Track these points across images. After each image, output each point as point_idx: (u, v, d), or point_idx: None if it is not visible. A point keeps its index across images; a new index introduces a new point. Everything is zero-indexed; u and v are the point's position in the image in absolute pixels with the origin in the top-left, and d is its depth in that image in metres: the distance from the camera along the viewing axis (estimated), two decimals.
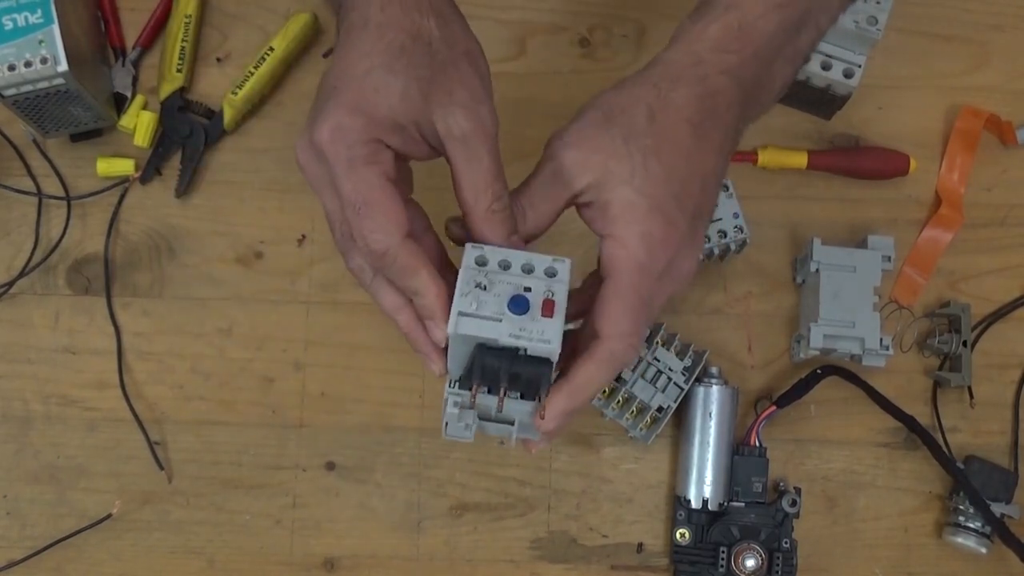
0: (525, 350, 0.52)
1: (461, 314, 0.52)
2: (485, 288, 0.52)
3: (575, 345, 0.57)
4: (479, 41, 0.56)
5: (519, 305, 0.52)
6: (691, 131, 0.54)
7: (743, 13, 0.55)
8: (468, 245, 0.54)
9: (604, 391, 0.74)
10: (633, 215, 0.53)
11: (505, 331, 0.51)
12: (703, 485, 0.74)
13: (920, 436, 0.75)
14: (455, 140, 0.53)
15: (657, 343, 0.74)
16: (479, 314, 0.52)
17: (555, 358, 0.52)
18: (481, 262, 0.53)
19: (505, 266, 0.53)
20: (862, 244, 0.76)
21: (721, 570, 0.73)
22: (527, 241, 0.56)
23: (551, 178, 0.55)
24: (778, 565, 0.73)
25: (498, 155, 0.54)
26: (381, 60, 0.52)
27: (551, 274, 0.53)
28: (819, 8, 0.58)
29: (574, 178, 0.54)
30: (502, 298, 0.52)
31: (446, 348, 0.55)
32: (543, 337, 0.51)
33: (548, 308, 0.52)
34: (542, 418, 0.54)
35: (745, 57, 0.55)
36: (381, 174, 0.52)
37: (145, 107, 0.81)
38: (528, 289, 0.52)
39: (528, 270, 0.53)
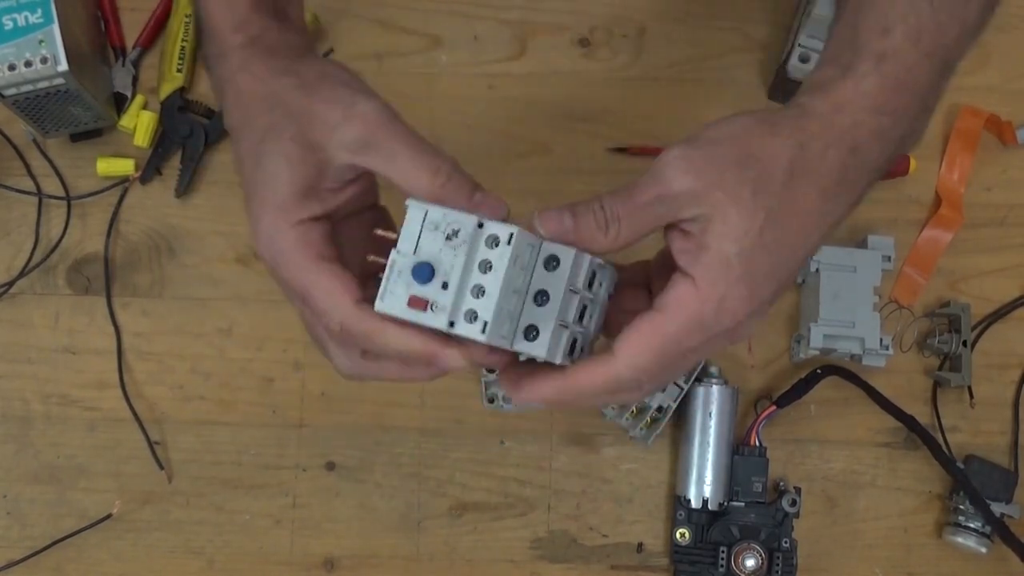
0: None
1: (387, 293, 0.48)
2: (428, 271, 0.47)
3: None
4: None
5: (422, 273, 0.47)
6: (821, 202, 0.50)
7: (899, 67, 0.50)
8: (411, 200, 0.48)
9: None
10: (723, 274, 0.48)
11: (443, 320, 0.47)
12: (703, 485, 0.74)
13: (920, 436, 0.75)
14: (360, 154, 0.50)
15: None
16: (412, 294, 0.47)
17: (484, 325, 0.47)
18: (434, 227, 0.48)
19: (451, 234, 0.48)
20: (862, 244, 0.76)
21: (721, 570, 0.73)
22: (617, 250, 0.50)
23: (657, 200, 0.49)
24: (778, 565, 0.73)
25: (409, 131, 0.50)
26: (257, 149, 0.51)
27: (492, 243, 0.48)
28: (960, 54, 0.53)
29: (684, 207, 0.49)
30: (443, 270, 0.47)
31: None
32: (477, 320, 0.47)
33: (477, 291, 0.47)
34: (515, 386, 0.51)
35: (898, 117, 0.51)
36: (309, 258, 0.50)
37: (145, 107, 0.81)
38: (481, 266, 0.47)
39: (451, 235, 0.48)
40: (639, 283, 0.55)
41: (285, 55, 0.54)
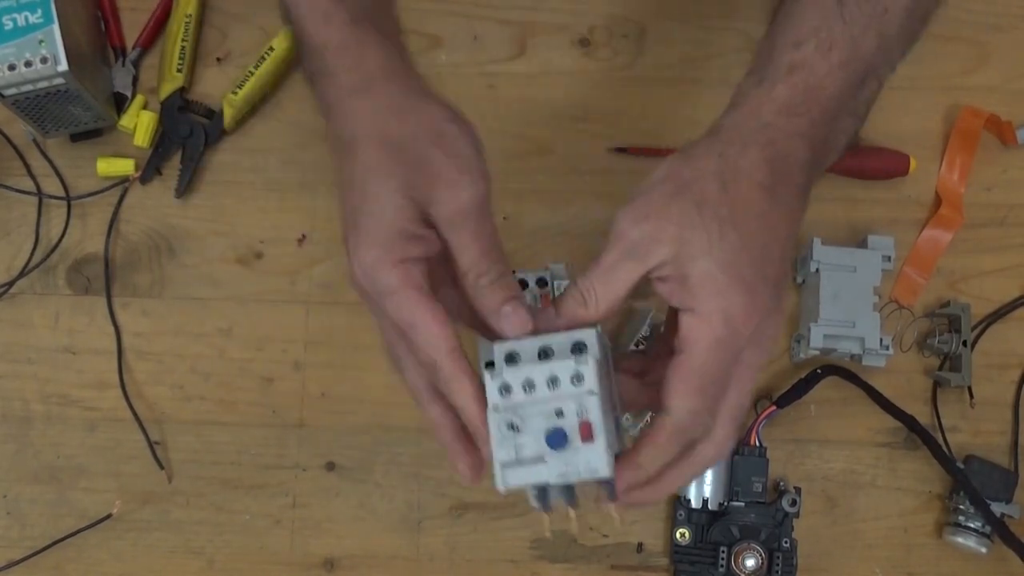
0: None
1: (504, 465, 0.50)
2: (518, 429, 0.50)
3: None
4: (448, 105, 0.55)
5: (557, 439, 0.50)
6: (765, 196, 0.52)
7: (808, 74, 0.53)
8: (486, 375, 0.51)
9: None
10: (714, 287, 0.50)
11: (553, 472, 0.50)
12: (703, 485, 0.74)
13: (920, 436, 0.75)
14: (442, 228, 0.52)
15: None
16: (521, 459, 0.50)
17: (609, 475, 0.50)
18: (505, 391, 0.51)
19: (529, 386, 0.50)
20: (862, 244, 0.76)
21: (721, 570, 0.73)
22: (601, 318, 0.53)
23: (623, 255, 0.52)
24: (778, 565, 0.73)
25: (486, 229, 0.53)
26: (365, 178, 0.53)
27: (578, 381, 0.50)
28: (881, 62, 0.57)
29: (648, 254, 0.51)
30: (538, 435, 0.50)
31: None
32: (590, 467, 0.50)
33: (586, 431, 0.50)
34: (611, 499, 0.53)
35: (813, 119, 0.54)
36: (416, 295, 0.52)
37: (145, 107, 0.81)
38: (560, 413, 0.50)
39: (553, 383, 0.50)
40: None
41: (400, 84, 0.55)
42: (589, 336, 0.52)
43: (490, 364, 0.52)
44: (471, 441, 0.53)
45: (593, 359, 0.50)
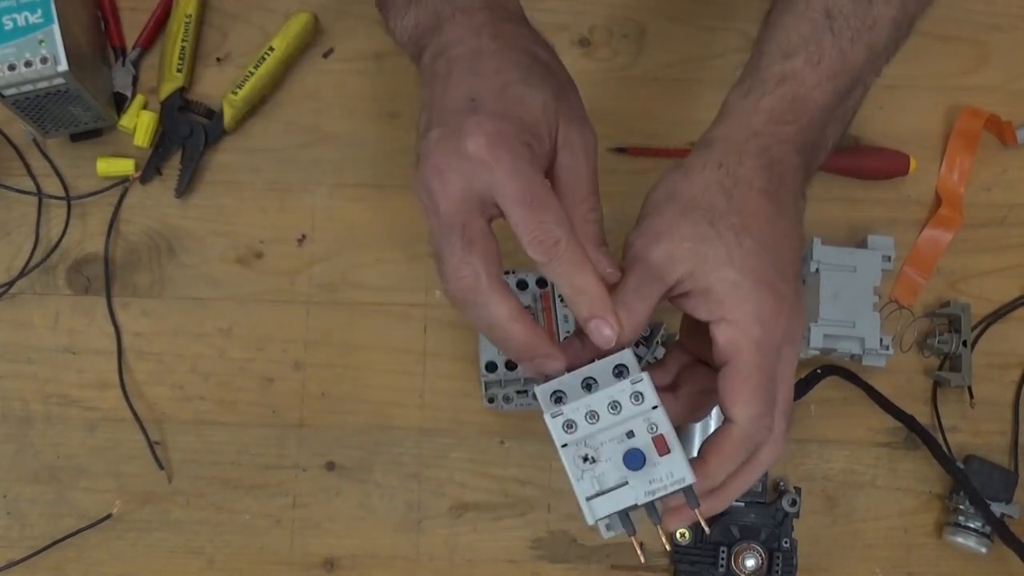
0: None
1: (589, 499, 0.51)
2: (594, 460, 0.51)
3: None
4: None
5: (636, 460, 0.51)
6: (768, 200, 0.54)
7: (797, 86, 0.55)
8: (547, 415, 0.52)
9: None
10: (740, 294, 0.52)
11: (640, 493, 0.51)
12: None
13: (920, 436, 0.75)
14: (567, 150, 0.54)
15: (657, 343, 0.74)
16: (605, 489, 0.51)
17: (694, 479, 0.52)
18: (569, 427, 0.51)
19: (593, 417, 0.51)
20: (862, 244, 0.76)
21: (721, 570, 0.73)
22: (627, 343, 0.54)
23: (642, 278, 0.53)
24: (778, 565, 0.73)
25: (597, 174, 0.56)
26: (515, 76, 0.54)
27: (638, 399, 0.52)
28: (868, 71, 0.58)
29: (666, 272, 0.53)
30: (615, 460, 0.51)
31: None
32: (675, 478, 0.51)
33: (661, 445, 0.51)
34: (695, 506, 0.53)
35: (801, 126, 0.56)
36: (542, 172, 0.53)
37: (145, 107, 0.81)
38: (631, 434, 0.51)
39: (615, 407, 0.52)
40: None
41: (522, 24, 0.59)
42: (628, 357, 0.53)
43: (558, 399, 0.53)
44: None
45: (648, 376, 0.52)
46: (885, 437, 0.77)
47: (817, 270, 0.74)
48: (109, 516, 0.75)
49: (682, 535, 0.74)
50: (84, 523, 0.75)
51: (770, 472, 0.74)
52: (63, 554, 0.76)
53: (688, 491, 0.52)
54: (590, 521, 0.51)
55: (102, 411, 0.77)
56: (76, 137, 0.80)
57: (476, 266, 0.51)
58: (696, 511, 0.52)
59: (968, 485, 0.74)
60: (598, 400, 0.51)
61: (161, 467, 0.76)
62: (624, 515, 0.51)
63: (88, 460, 0.77)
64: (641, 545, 0.53)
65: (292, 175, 0.80)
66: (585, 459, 0.51)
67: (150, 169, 0.80)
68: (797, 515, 0.74)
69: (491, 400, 0.75)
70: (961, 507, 0.75)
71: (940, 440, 0.76)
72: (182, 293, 0.79)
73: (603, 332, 0.52)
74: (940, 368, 0.78)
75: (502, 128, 0.52)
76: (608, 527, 0.52)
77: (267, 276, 0.79)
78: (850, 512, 0.77)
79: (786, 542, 0.73)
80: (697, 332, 0.55)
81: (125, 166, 0.79)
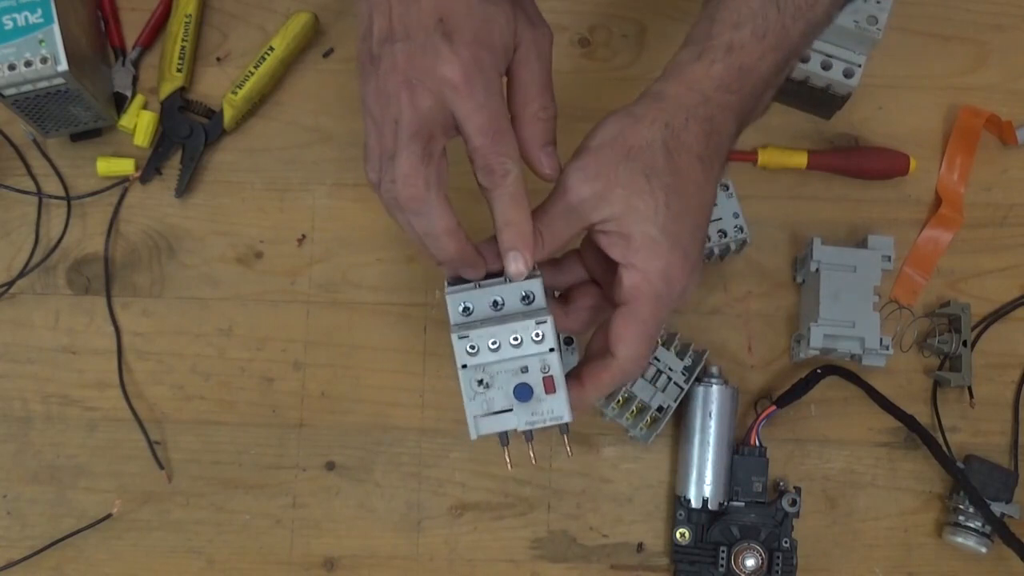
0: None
1: (476, 417, 0.57)
2: (488, 385, 0.57)
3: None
4: None
5: (524, 393, 0.57)
6: (701, 167, 0.58)
7: (745, 56, 0.58)
8: (455, 336, 0.57)
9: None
10: (656, 250, 0.56)
11: (521, 419, 0.57)
12: (703, 485, 0.74)
13: (920, 436, 0.75)
14: (524, 50, 0.57)
15: (657, 343, 0.74)
16: (492, 411, 0.57)
17: (571, 419, 0.58)
18: (472, 350, 0.57)
19: (495, 346, 0.57)
20: (862, 244, 0.76)
21: (721, 570, 0.73)
22: (544, 259, 0.59)
23: (570, 207, 0.57)
24: (778, 565, 0.73)
25: (550, 71, 0.59)
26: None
27: (539, 338, 0.57)
28: (804, 45, 0.61)
29: (594, 209, 0.57)
30: (506, 389, 0.57)
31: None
32: (554, 415, 0.57)
33: (550, 385, 0.57)
34: (565, 432, 0.60)
35: (744, 96, 0.59)
36: (504, 99, 0.57)
37: (145, 107, 0.81)
38: (525, 369, 0.57)
39: (516, 341, 0.57)
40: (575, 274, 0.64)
41: None
42: (537, 286, 0.58)
43: (466, 309, 0.58)
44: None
45: (551, 319, 0.57)
46: (885, 437, 0.77)
47: (817, 270, 0.75)
48: (109, 516, 0.75)
49: (682, 535, 0.74)
50: (84, 523, 0.75)
51: (770, 472, 0.74)
52: (63, 554, 0.76)
53: (564, 427, 0.58)
54: (473, 436, 0.57)
55: (102, 411, 0.77)
56: (76, 137, 0.80)
57: (430, 178, 0.55)
58: (565, 437, 0.59)
59: (968, 485, 0.74)
60: (502, 332, 0.57)
61: (161, 467, 0.76)
62: (504, 433, 0.58)
63: (88, 460, 0.77)
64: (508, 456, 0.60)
65: (292, 175, 0.80)
66: (480, 383, 0.57)
67: (150, 169, 0.80)
68: (797, 515, 0.74)
69: None
70: (961, 507, 0.75)
71: (940, 440, 0.76)
72: (182, 293, 0.79)
73: (518, 264, 0.56)
74: (940, 368, 0.78)
75: (478, 56, 0.54)
76: (479, 435, 0.58)
77: (267, 276, 0.79)
78: (850, 512, 0.77)
79: (786, 542, 0.73)
80: (598, 257, 0.60)
81: (125, 166, 0.79)
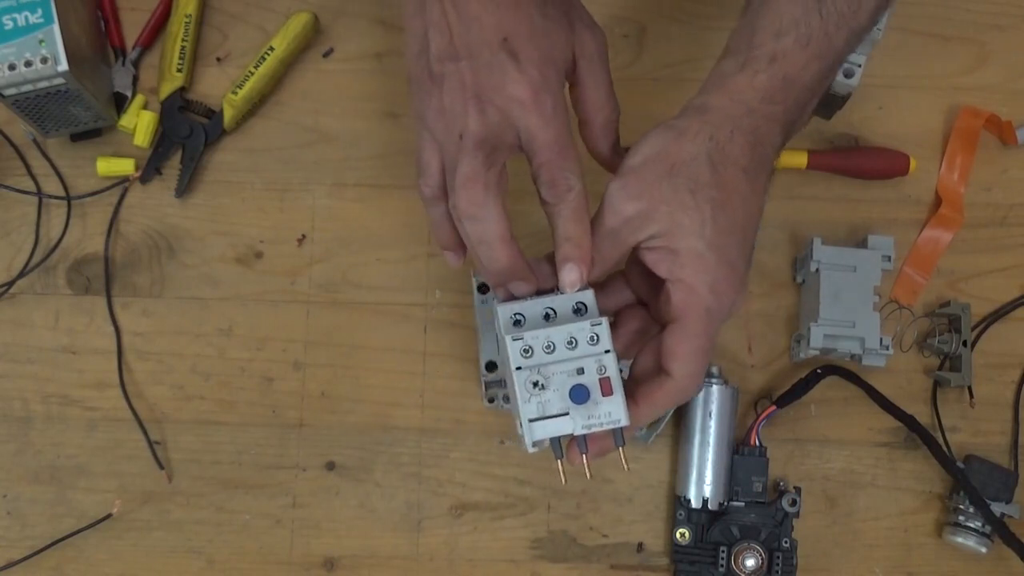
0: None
1: (531, 421, 0.55)
2: (543, 387, 0.55)
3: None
4: None
5: (580, 395, 0.55)
6: (746, 180, 0.57)
7: (788, 66, 0.57)
8: (508, 338, 0.55)
9: None
10: (703, 265, 0.56)
11: (578, 423, 0.55)
12: (703, 485, 0.74)
13: (920, 436, 0.75)
14: (585, 60, 0.58)
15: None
16: (548, 415, 0.55)
17: (628, 423, 0.56)
18: (526, 352, 0.55)
19: (549, 348, 0.55)
20: (862, 244, 0.76)
21: (721, 570, 0.73)
22: (594, 281, 0.58)
23: (615, 228, 0.57)
24: (778, 565, 0.73)
25: (610, 73, 0.60)
26: (534, 10, 0.56)
27: (594, 340, 0.56)
28: (848, 51, 0.60)
29: (640, 228, 0.56)
30: (562, 391, 0.55)
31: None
32: (612, 419, 0.56)
33: (606, 387, 0.55)
34: (620, 444, 0.58)
35: (788, 106, 0.58)
36: (568, 118, 0.57)
37: (145, 107, 0.81)
38: (581, 371, 0.55)
39: (571, 343, 0.56)
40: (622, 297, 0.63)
41: None
42: (589, 297, 0.57)
43: (518, 321, 0.57)
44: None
45: (607, 321, 0.55)
46: (885, 437, 0.77)
47: (817, 270, 0.75)
48: (109, 516, 0.75)
49: (682, 535, 0.74)
50: (84, 523, 0.75)
51: (770, 472, 0.74)
52: (63, 554, 0.76)
53: (618, 431, 0.56)
54: (528, 440, 0.55)
55: (102, 411, 0.77)
56: (76, 137, 0.80)
57: (490, 182, 0.55)
58: (620, 449, 0.57)
59: (968, 485, 0.74)
60: (557, 334, 0.56)
61: (161, 467, 0.76)
62: (557, 440, 0.56)
63: (88, 460, 0.77)
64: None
65: (292, 175, 0.80)
66: (535, 384, 0.55)
67: (150, 169, 0.80)
68: (797, 515, 0.74)
69: (491, 400, 0.75)
70: (961, 507, 0.75)
71: (940, 440, 0.76)
72: (182, 293, 0.79)
73: (572, 275, 0.56)
74: (940, 368, 0.78)
75: (545, 74, 0.55)
76: (535, 445, 0.56)
77: (267, 276, 0.79)
78: (850, 512, 0.77)
79: (786, 542, 0.73)
80: (645, 276, 0.59)
81: (125, 166, 0.79)
